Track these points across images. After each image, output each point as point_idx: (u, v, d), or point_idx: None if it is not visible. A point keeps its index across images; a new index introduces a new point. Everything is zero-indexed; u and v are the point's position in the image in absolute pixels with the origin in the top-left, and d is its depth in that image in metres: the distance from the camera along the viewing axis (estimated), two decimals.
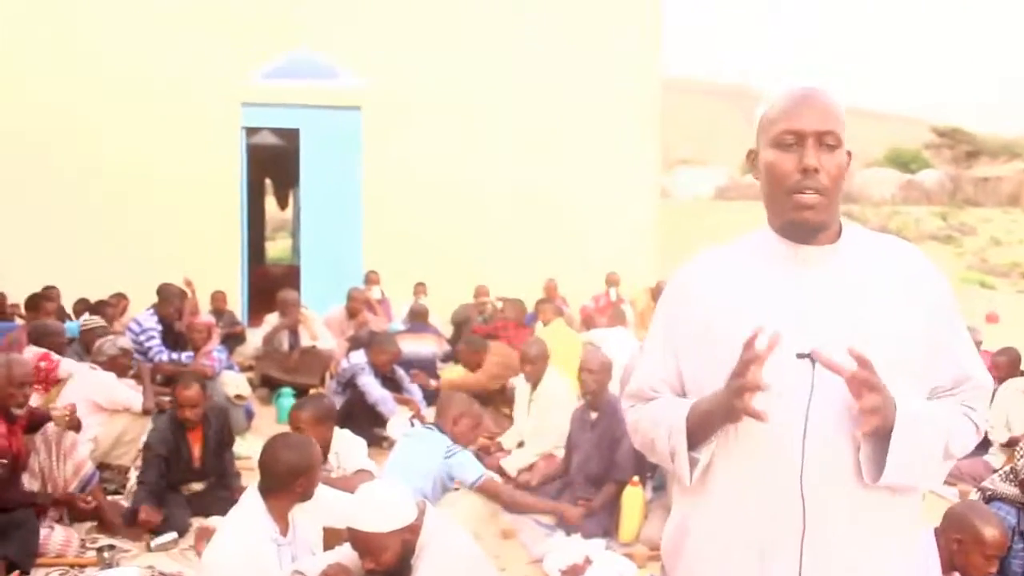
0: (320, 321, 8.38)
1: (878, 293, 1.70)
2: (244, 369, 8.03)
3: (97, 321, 6.87)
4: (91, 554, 4.24)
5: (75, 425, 4.88)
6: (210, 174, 10.84)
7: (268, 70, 11.02)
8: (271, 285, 11.09)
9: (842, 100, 1.73)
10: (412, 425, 6.02)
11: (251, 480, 3.26)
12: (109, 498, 4.83)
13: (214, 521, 4.57)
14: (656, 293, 9.74)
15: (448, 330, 9.01)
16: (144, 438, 4.96)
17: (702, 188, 38.71)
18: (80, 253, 10.28)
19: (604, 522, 4.74)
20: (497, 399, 7.05)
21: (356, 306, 8.78)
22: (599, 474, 4.89)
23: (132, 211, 10.65)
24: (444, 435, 4.34)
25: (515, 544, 4.61)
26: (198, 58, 10.76)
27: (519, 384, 6.47)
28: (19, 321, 7.67)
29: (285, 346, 7.96)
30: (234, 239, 11.06)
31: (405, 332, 8.20)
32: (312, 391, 6.76)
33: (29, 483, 4.46)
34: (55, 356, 5.61)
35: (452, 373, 8.16)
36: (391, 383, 6.69)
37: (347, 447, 4.57)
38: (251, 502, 3.17)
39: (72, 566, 4.18)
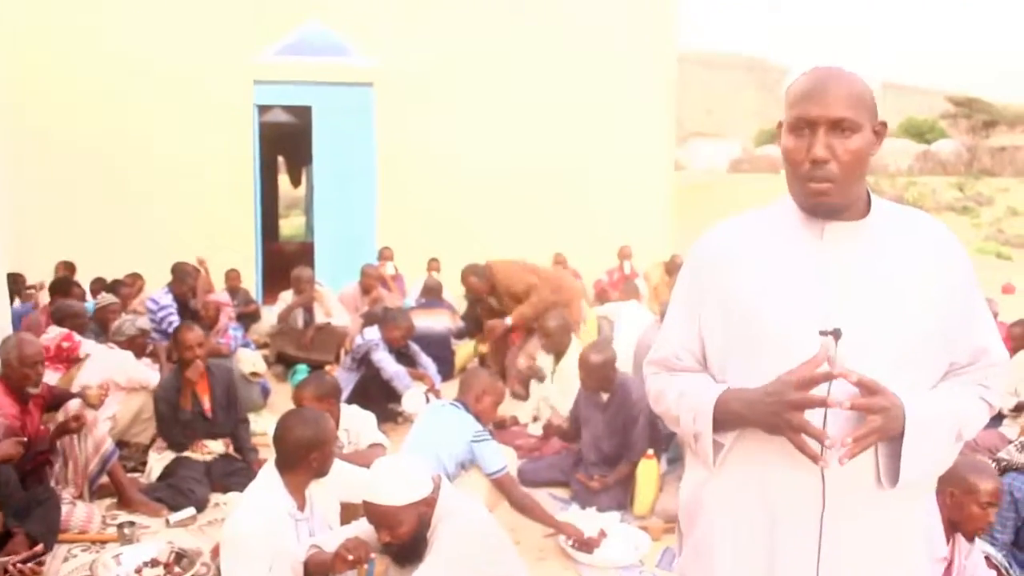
0: (334, 298, 8.40)
1: (904, 271, 1.69)
2: (259, 346, 8.08)
3: (111, 299, 6.92)
4: (111, 531, 4.28)
5: (95, 403, 4.94)
6: (223, 152, 10.84)
7: (280, 47, 10.97)
8: (285, 263, 11.11)
9: (867, 80, 1.70)
10: (427, 400, 6.05)
11: (269, 456, 3.28)
12: (127, 475, 4.87)
13: (232, 497, 4.63)
14: (670, 266, 9.70)
15: (462, 306, 9.02)
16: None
17: (716, 161, 38.54)
18: (94, 232, 10.31)
19: (619, 495, 4.76)
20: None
21: (370, 282, 8.79)
22: (612, 454, 4.89)
23: (145, 190, 10.66)
24: (470, 415, 4.22)
25: None
26: (209, 36, 10.72)
27: (541, 356, 6.48)
28: (41, 301, 7.72)
29: (300, 323, 8.00)
30: (248, 217, 11.07)
31: (419, 308, 8.22)
32: (327, 367, 6.82)
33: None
34: (76, 336, 5.65)
35: (466, 350, 8.20)
36: (405, 358, 6.71)
37: (357, 423, 4.58)
38: (268, 478, 3.19)
39: (94, 542, 4.22)
